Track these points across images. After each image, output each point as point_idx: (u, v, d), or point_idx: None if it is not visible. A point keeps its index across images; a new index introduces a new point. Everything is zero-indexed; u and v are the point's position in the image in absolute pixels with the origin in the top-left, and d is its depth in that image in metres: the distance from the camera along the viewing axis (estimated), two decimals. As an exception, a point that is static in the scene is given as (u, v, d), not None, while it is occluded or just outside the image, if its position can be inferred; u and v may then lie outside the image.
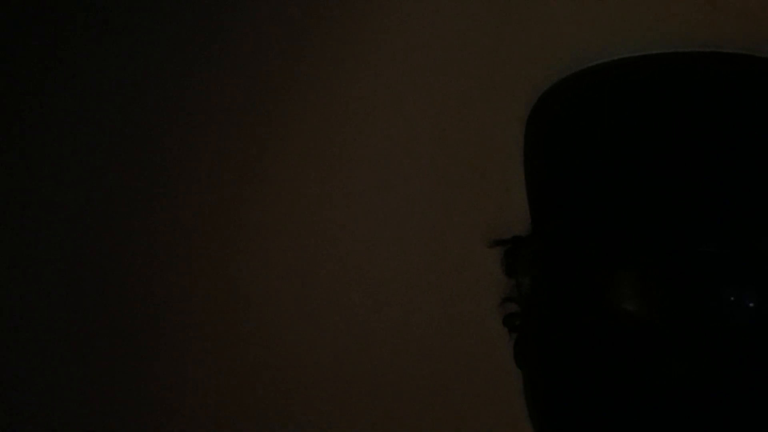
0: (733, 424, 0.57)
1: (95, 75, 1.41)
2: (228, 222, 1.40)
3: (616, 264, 0.59)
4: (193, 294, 1.40)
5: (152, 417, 1.41)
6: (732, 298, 0.56)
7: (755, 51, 0.61)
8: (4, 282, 1.42)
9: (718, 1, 1.03)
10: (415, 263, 1.34)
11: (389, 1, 1.34)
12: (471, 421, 1.33)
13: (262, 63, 1.40)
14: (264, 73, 1.40)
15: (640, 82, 0.62)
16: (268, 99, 1.40)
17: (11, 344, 1.42)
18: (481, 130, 1.30)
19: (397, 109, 1.35)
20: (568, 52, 1.22)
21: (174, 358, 1.40)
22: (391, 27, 1.35)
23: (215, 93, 1.40)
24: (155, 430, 1.40)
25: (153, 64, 1.40)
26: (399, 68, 1.35)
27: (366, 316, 1.37)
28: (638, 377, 0.58)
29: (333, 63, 1.37)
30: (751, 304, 0.57)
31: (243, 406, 1.42)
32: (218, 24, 1.41)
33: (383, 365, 1.36)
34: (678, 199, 0.58)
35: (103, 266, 1.40)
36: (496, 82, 1.29)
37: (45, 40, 1.41)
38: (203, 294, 1.40)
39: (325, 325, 1.38)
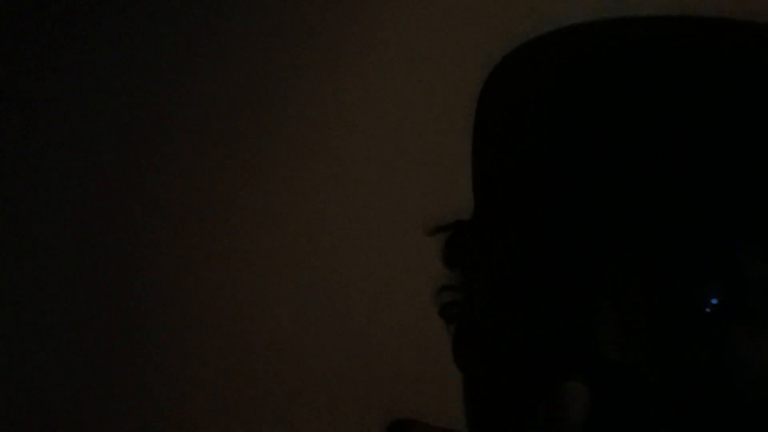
0: None
1: (95, 74, 1.40)
2: (225, 223, 1.40)
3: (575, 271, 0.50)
4: (191, 295, 1.39)
5: (150, 416, 1.38)
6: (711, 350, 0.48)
7: (755, 16, 0.52)
8: (4, 282, 1.40)
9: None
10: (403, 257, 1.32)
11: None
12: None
13: (259, 67, 1.39)
14: (262, 75, 1.39)
15: (621, 49, 0.52)
16: (262, 101, 1.39)
17: (10, 344, 1.39)
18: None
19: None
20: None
21: (172, 359, 1.39)
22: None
23: (211, 94, 1.40)
24: (154, 430, 1.38)
25: (151, 63, 1.40)
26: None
27: (365, 315, 1.36)
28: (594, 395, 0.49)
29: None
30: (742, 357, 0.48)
31: (240, 406, 1.38)
32: (215, 25, 1.40)
33: (385, 363, 1.34)
34: (670, 199, 0.49)
35: (100, 266, 1.40)
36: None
37: (45, 39, 1.40)
38: (200, 294, 1.39)
39: (322, 323, 1.37)
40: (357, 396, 1.35)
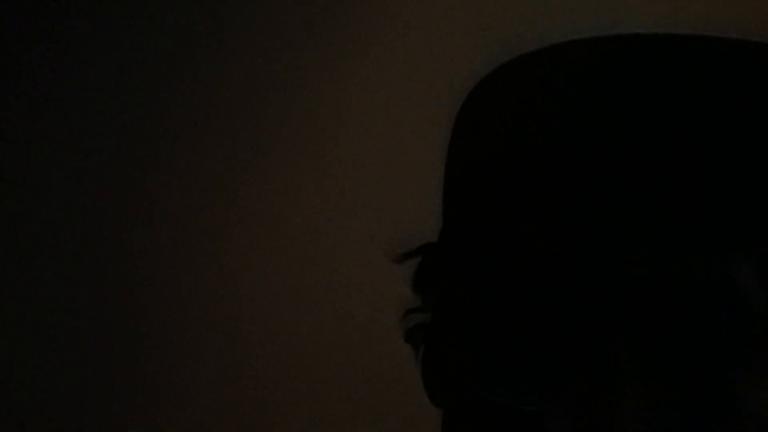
0: None
1: (95, 74, 1.40)
2: (225, 223, 1.40)
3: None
4: (191, 295, 1.40)
5: (150, 416, 1.39)
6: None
7: (748, 34, 0.51)
8: (5, 282, 1.41)
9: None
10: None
11: None
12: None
13: (259, 67, 1.39)
14: (262, 75, 1.39)
15: (625, 59, 0.51)
16: (262, 101, 1.39)
17: (10, 344, 1.40)
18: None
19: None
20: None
21: (172, 359, 1.39)
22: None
23: (211, 94, 1.40)
24: (152, 429, 1.38)
25: (151, 63, 1.40)
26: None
27: (365, 315, 1.35)
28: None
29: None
30: None
31: (239, 406, 1.39)
32: (215, 25, 1.40)
33: (384, 364, 1.33)
34: (674, 213, 0.47)
35: (101, 266, 1.40)
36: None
37: (45, 39, 1.40)
38: (200, 294, 1.39)
39: (322, 323, 1.36)
40: (357, 396, 1.35)
